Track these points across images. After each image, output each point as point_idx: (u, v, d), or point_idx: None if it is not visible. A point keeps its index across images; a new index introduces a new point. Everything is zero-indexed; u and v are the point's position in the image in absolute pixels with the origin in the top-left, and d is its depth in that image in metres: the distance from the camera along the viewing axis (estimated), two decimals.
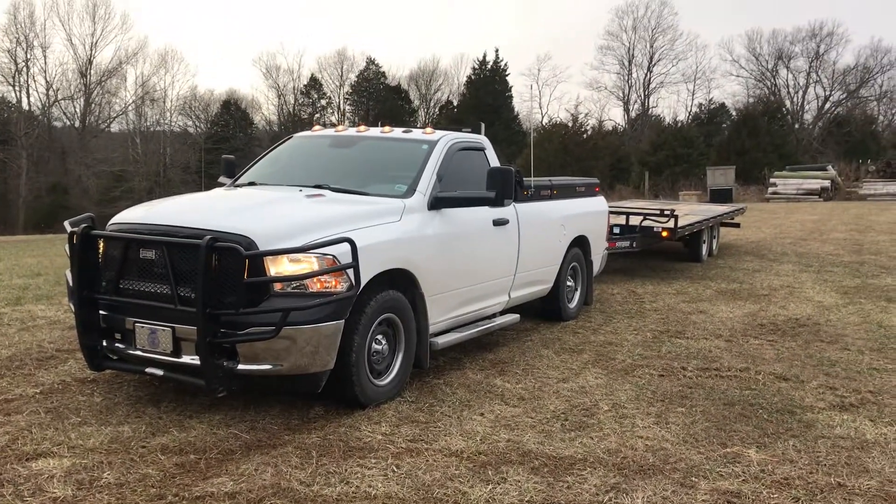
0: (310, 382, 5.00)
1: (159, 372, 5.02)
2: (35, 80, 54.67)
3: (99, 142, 56.38)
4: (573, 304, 8.58)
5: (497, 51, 67.91)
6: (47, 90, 54.62)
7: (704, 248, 13.31)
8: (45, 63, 55.02)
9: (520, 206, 7.17)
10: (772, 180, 37.72)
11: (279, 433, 4.85)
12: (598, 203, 9.26)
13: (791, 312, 8.90)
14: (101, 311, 5.19)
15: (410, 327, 5.64)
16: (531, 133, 47.10)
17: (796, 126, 59.68)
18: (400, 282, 5.57)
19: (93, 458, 4.39)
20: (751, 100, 60.33)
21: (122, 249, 5.07)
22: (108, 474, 4.18)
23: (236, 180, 6.94)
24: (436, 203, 6.04)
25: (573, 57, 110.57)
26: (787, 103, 61.50)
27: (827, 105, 61.21)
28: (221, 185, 7.05)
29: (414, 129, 7.03)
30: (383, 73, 65.82)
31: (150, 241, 4.99)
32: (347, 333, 5.00)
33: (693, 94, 71.65)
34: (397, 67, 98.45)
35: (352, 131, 7.18)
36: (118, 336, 5.24)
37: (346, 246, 4.86)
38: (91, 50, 55.93)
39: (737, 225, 15.94)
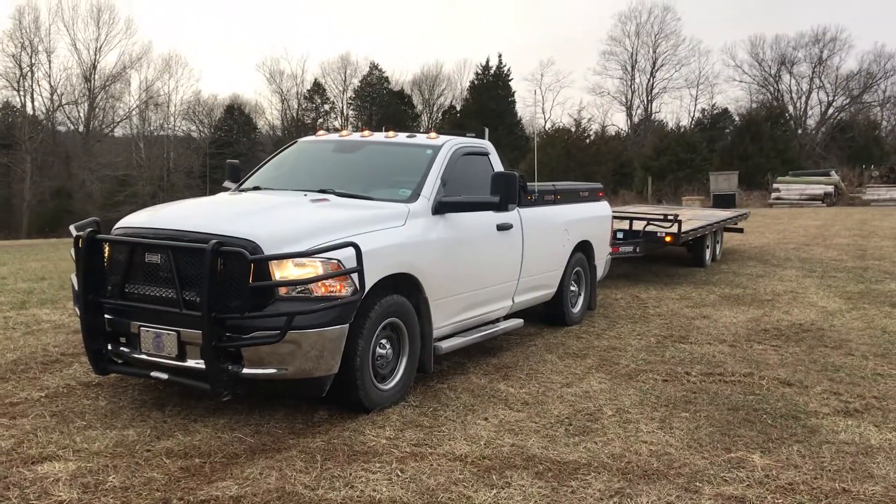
0: (314, 386, 5.01)
1: (164, 376, 5.03)
2: (39, 85, 54.89)
3: (103, 146, 56.50)
4: (577, 309, 8.58)
5: (500, 56, 67.91)
6: (51, 95, 54.83)
7: (708, 253, 13.31)
8: (50, 68, 55.06)
9: (524, 210, 7.18)
10: (775, 185, 37.73)
11: (284, 437, 4.86)
12: (602, 208, 9.27)
13: (795, 318, 8.89)
14: (106, 315, 5.21)
15: (414, 332, 5.65)
16: (534, 138, 47.18)
17: (799, 131, 59.67)
18: (404, 286, 5.58)
19: (98, 462, 4.40)
20: (754, 105, 60.40)
21: (128, 253, 5.09)
22: (114, 478, 4.19)
23: (241, 185, 6.96)
24: (440, 208, 6.05)
25: (576, 62, 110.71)
26: (790, 108, 61.50)
27: (830, 110, 61.24)
28: (226, 189, 7.08)
29: (418, 134, 7.05)
30: (386, 78, 65.96)
31: (155, 245, 5.00)
32: (352, 337, 5.02)
33: (696, 100, 71.60)
34: (400, 72, 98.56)
35: (356, 136, 7.19)
36: (123, 340, 5.26)
37: (350, 250, 4.87)
38: (95, 55, 56.14)
39: (740, 230, 15.95)
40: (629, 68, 65.58)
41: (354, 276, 4.90)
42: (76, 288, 5.37)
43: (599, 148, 47.90)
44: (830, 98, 61.14)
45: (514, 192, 6.14)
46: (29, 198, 48.99)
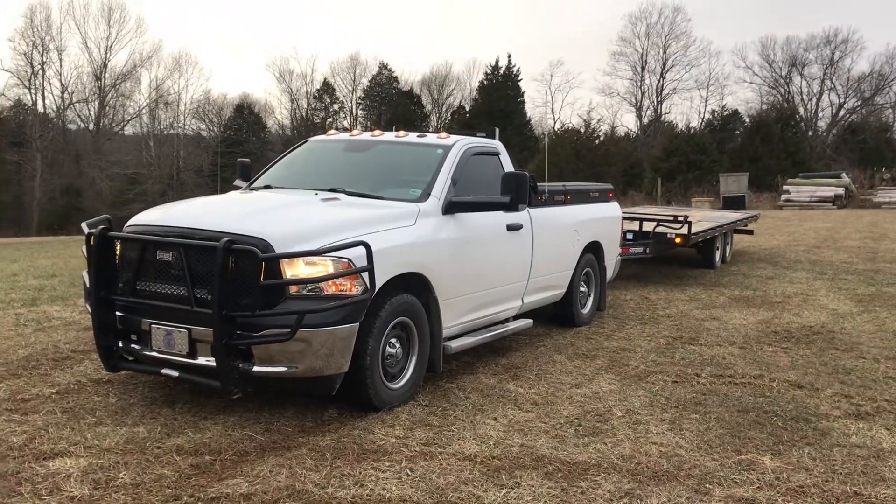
0: (324, 385, 5.02)
1: (175, 373, 5.05)
2: (50, 83, 55.26)
3: (113, 144, 56.80)
4: (586, 310, 8.56)
5: (510, 56, 67.83)
6: (62, 93, 55.19)
7: (718, 254, 13.27)
8: (61, 66, 55.42)
9: (534, 211, 7.17)
10: (785, 187, 37.58)
11: (293, 435, 4.87)
12: (612, 209, 9.25)
13: (805, 320, 8.86)
14: (117, 313, 5.23)
15: (424, 331, 5.65)
16: (545, 138, 47.12)
17: (810, 133, 59.39)
18: (414, 286, 5.58)
19: (109, 458, 4.42)
20: (764, 107, 60.10)
21: (140, 251, 5.11)
22: (124, 474, 4.21)
23: (252, 183, 6.97)
24: (450, 207, 6.05)
25: (586, 63, 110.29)
26: (801, 110, 61.23)
27: (841, 112, 60.92)
28: (237, 188, 7.10)
29: (429, 134, 7.06)
30: (396, 77, 66.02)
31: (167, 242, 5.02)
32: (362, 336, 5.02)
33: (706, 101, 71.37)
34: (410, 72, 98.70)
35: (367, 135, 7.20)
36: (134, 337, 5.28)
37: (361, 249, 4.88)
38: (106, 53, 56.51)
39: (750, 232, 15.89)
40: (639, 69, 65.48)
41: (365, 275, 4.90)
42: (88, 285, 5.40)
43: (609, 149, 47.80)
44: (842, 100, 60.90)
45: (524, 193, 6.14)
46: (39, 195, 49.26)
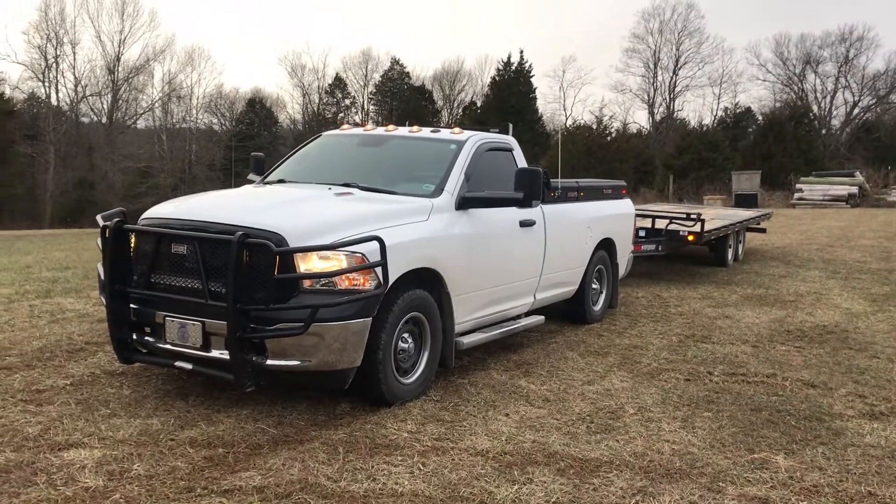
0: (337, 379, 5.03)
1: (188, 366, 5.06)
2: (64, 76, 55.42)
3: (125, 138, 56.98)
4: (598, 307, 8.55)
5: (521, 52, 67.84)
6: (75, 86, 55.34)
7: (730, 252, 13.22)
8: (74, 59, 55.56)
9: (546, 207, 7.16)
10: (798, 186, 37.36)
11: (306, 429, 4.88)
12: (625, 206, 9.22)
13: (818, 319, 8.81)
14: (131, 305, 5.25)
15: (436, 326, 5.66)
16: (559, 134, 47.00)
17: (823, 131, 59.00)
18: (427, 281, 5.58)
19: (123, 450, 4.44)
20: (777, 104, 59.77)
21: (154, 244, 5.13)
22: (138, 466, 4.23)
23: (265, 177, 6.99)
24: (463, 203, 6.05)
25: (598, 59, 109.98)
26: (815, 108, 60.78)
27: (855, 110, 60.45)
28: (251, 182, 7.11)
29: (442, 129, 7.04)
30: (407, 73, 66.03)
31: (181, 236, 5.04)
32: (374, 331, 5.03)
33: (719, 98, 71.07)
34: (421, 68, 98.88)
35: (380, 130, 7.20)
36: (148, 330, 5.31)
37: (374, 244, 4.88)
38: (119, 47, 56.61)
39: (763, 230, 15.82)
40: (652, 66, 65.17)
41: (378, 269, 4.91)
42: (102, 277, 5.42)
43: (620, 146, 47.67)
44: (856, 98, 60.39)
45: (538, 189, 6.13)
46: (52, 188, 49.50)
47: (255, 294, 4.76)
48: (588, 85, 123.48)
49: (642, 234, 11.00)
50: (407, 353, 5.49)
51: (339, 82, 65.32)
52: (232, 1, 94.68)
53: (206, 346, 4.95)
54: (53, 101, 54.73)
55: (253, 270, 4.77)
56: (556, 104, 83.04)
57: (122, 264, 5.23)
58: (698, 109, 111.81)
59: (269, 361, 4.82)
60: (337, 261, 4.87)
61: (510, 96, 58.40)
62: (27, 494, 3.85)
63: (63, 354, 6.48)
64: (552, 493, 4.06)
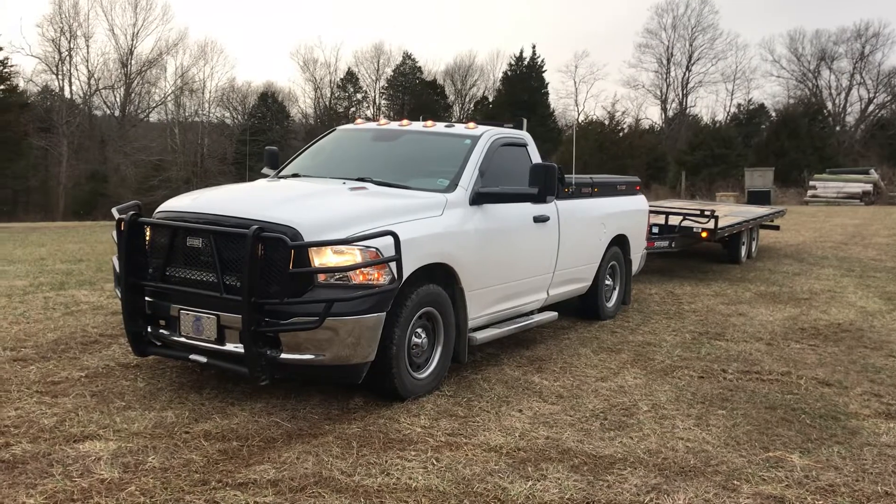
0: (350, 373, 5.04)
1: (203, 359, 5.08)
2: (77, 70, 55.66)
3: (138, 131, 57.17)
4: (611, 304, 8.52)
5: (534, 47, 67.36)
6: (89, 79, 55.55)
7: (743, 249, 13.16)
8: (88, 52, 55.88)
9: (560, 203, 7.13)
10: (811, 183, 37.18)
11: (320, 423, 4.89)
12: (639, 202, 9.19)
13: (833, 317, 8.75)
14: (146, 298, 5.27)
15: (450, 322, 5.65)
16: (574, 129, 46.90)
17: (838, 128, 58.58)
18: (440, 276, 5.58)
19: (137, 442, 4.46)
20: (791, 101, 59.34)
21: (170, 237, 5.14)
22: (153, 458, 4.25)
23: (280, 172, 6.99)
24: (477, 198, 6.04)
25: (611, 54, 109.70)
26: (829, 105, 60.38)
27: (870, 107, 59.99)
28: (265, 176, 7.12)
29: (456, 124, 7.03)
30: (419, 67, 65.88)
31: (197, 229, 5.05)
32: (388, 326, 5.03)
33: (732, 94, 70.73)
34: (433, 62, 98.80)
35: (394, 125, 7.19)
36: (163, 322, 5.32)
37: (389, 239, 4.88)
38: (132, 40, 56.78)
39: (776, 227, 15.73)
40: (665, 61, 64.88)
41: (392, 264, 4.91)
42: (117, 270, 5.44)
43: (633, 141, 47.53)
44: (871, 94, 59.90)
45: (552, 184, 6.11)
46: (65, 181, 49.73)
47: (270, 288, 4.76)
48: (600, 80, 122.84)
49: (655, 230, 10.97)
50: (420, 348, 5.48)
51: (350, 77, 65.32)
52: None
53: (221, 340, 4.97)
54: (67, 94, 55.00)
55: (268, 264, 4.77)
56: (569, 99, 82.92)
57: (137, 257, 5.25)
58: (711, 105, 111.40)
59: (283, 355, 4.82)
60: (351, 255, 4.87)
61: (522, 91, 58.25)
62: (43, 486, 3.87)
63: (78, 346, 6.52)
64: (566, 490, 4.05)
